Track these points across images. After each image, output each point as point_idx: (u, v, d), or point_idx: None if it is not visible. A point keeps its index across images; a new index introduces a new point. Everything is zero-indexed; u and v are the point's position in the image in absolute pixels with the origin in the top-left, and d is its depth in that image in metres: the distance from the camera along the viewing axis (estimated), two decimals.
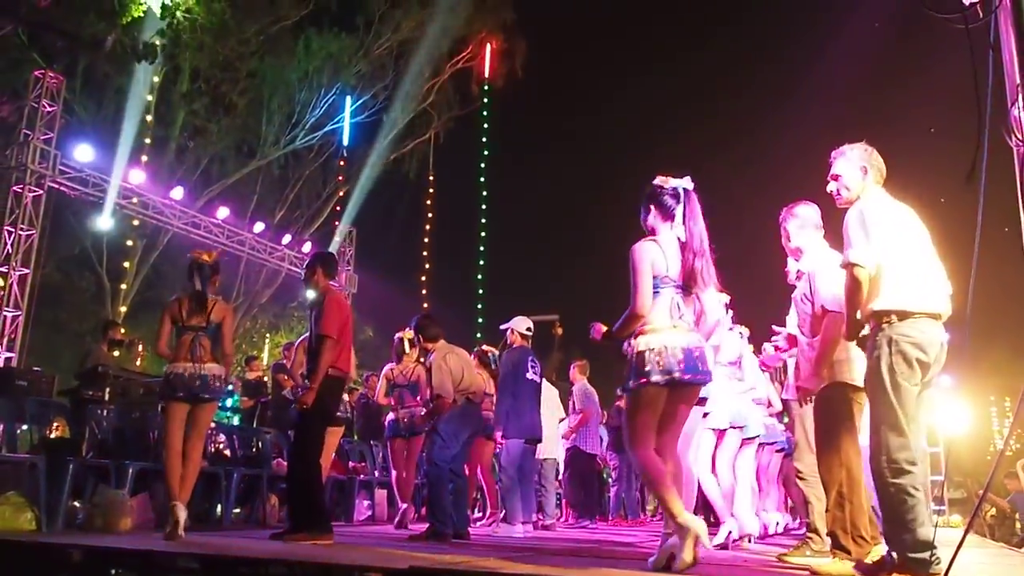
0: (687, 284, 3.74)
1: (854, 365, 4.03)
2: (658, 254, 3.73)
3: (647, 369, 3.57)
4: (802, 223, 4.56)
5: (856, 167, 3.65)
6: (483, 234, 25.02)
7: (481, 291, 24.57)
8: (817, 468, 4.23)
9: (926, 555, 3.16)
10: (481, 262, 24.86)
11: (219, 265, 5.40)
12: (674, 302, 3.70)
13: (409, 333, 7.59)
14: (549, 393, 8.46)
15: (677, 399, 3.70)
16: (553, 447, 8.77)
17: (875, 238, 3.38)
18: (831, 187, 3.74)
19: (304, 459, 5.31)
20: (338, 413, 6.35)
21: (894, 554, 3.25)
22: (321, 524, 5.13)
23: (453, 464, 6.21)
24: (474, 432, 6.54)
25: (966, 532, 2.96)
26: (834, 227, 4.42)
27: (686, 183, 3.86)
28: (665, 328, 3.64)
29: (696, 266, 3.73)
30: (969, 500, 11.91)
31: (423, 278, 24.21)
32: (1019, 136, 2.95)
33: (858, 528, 4.00)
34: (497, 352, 7.94)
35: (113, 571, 4.27)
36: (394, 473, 7.53)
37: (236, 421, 10.12)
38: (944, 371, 3.68)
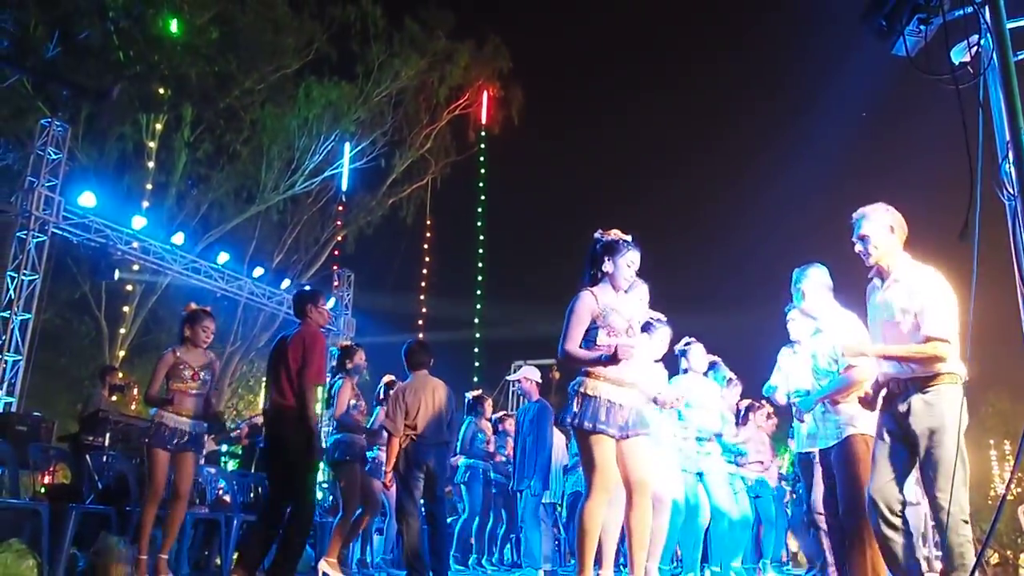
0: None
1: (867, 418, 4.23)
2: None
3: None
4: (817, 285, 4.75)
5: (884, 226, 3.77)
6: (480, 278, 25.10)
7: (478, 335, 24.55)
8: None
9: None
10: (479, 306, 24.90)
11: None
12: None
13: (389, 378, 7.59)
14: (558, 440, 8.47)
15: None
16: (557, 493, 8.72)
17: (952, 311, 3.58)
18: (858, 247, 3.84)
19: None
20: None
21: None
22: None
23: (434, 508, 5.99)
24: (431, 474, 5.91)
25: None
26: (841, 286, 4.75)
27: None
28: None
29: None
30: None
31: (420, 322, 24.24)
32: (1010, 190, 3.06)
33: (878, 571, 4.17)
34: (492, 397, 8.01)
35: None
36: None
37: (232, 465, 10.05)
38: None
